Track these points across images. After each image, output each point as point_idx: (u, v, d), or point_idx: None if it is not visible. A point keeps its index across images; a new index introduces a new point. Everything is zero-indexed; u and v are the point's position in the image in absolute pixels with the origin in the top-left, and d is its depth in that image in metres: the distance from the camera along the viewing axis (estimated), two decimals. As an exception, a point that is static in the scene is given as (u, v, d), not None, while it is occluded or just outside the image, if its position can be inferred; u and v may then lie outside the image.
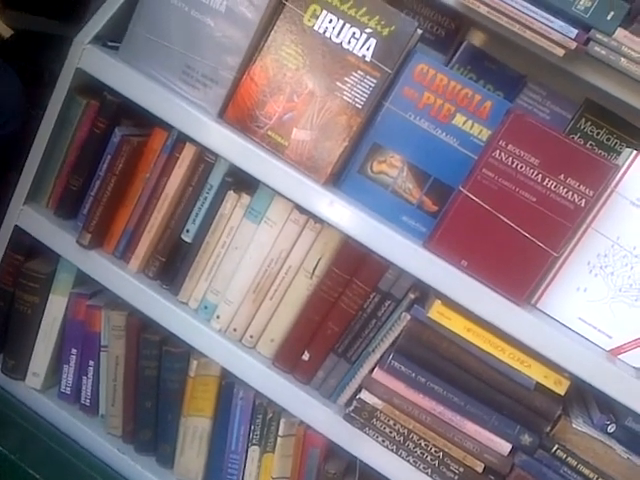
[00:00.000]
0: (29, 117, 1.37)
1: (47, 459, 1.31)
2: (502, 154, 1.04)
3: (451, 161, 1.10)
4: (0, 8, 1.28)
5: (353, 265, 1.15)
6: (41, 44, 1.57)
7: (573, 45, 1.08)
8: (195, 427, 1.29)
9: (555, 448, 1.11)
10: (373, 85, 1.10)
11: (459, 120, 1.10)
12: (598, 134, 1.27)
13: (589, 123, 1.27)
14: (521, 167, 1.04)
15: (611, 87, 1.16)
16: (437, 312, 1.10)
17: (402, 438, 1.14)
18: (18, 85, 1.37)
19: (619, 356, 1.09)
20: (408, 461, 1.15)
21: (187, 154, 1.20)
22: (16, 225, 1.29)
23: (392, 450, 1.15)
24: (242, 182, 1.19)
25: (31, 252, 1.33)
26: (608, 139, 1.27)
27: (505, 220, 1.05)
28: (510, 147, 1.04)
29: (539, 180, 1.03)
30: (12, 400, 1.35)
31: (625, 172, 1.06)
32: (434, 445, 1.14)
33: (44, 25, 1.54)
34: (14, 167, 1.32)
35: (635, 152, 1.06)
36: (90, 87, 1.23)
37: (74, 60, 1.20)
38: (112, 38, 1.22)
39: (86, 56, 1.19)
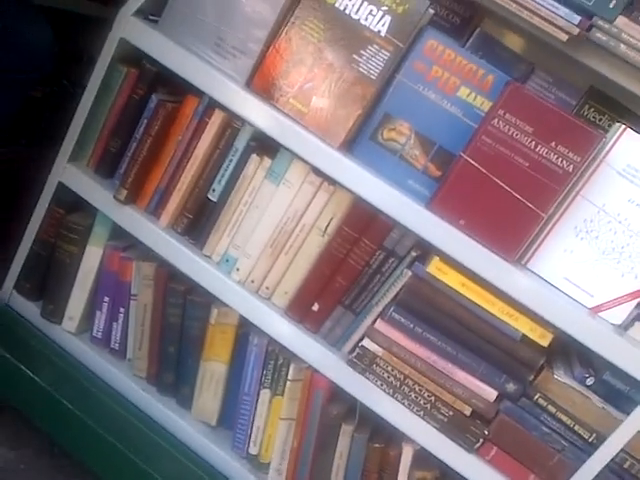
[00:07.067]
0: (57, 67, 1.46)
1: (79, 394, 1.43)
2: (500, 122, 1.13)
3: (455, 130, 1.20)
4: None
5: (362, 224, 1.25)
6: (81, 26, 1.64)
7: (576, 31, 1.16)
8: (213, 371, 1.40)
9: (537, 396, 1.20)
10: (386, 58, 1.21)
11: (463, 92, 1.20)
12: (600, 120, 1.35)
13: (592, 110, 1.35)
14: (516, 135, 1.13)
15: (612, 74, 1.24)
16: (435, 267, 1.20)
17: (398, 383, 1.24)
18: (48, 33, 1.42)
19: (599, 314, 1.18)
20: (403, 404, 1.25)
21: (216, 119, 1.31)
22: (59, 181, 1.41)
23: (389, 393, 1.25)
24: (264, 146, 1.30)
25: (72, 206, 1.44)
26: (609, 125, 1.33)
27: (500, 183, 1.14)
28: (507, 116, 1.13)
29: (532, 147, 1.13)
30: (49, 342, 1.47)
31: (613, 144, 1.15)
32: (427, 390, 1.23)
33: (85, 7, 1.61)
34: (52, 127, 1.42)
35: (623, 126, 1.15)
36: (129, 57, 1.34)
37: (118, 30, 1.31)
38: (153, 12, 1.34)
39: (129, 27, 1.31)
